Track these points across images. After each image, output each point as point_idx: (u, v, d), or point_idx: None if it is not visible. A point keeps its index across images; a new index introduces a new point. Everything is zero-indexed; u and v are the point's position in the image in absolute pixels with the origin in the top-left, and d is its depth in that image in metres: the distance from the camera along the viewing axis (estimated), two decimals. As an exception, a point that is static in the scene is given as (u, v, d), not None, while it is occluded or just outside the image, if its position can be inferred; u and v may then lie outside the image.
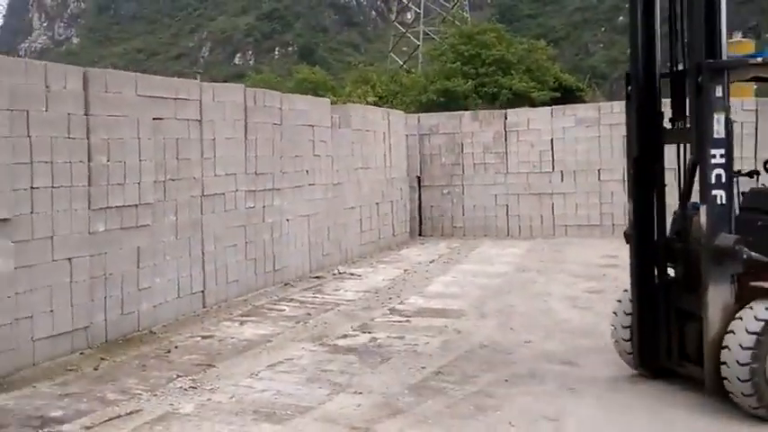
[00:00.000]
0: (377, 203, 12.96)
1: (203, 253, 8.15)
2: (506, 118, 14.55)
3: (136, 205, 7.08)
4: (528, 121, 14.36)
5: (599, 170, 13.77)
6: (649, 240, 5.23)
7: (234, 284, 8.70)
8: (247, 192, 8.98)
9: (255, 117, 9.22)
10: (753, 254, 4.63)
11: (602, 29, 72.23)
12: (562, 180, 14.01)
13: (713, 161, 4.69)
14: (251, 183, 9.05)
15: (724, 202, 4.69)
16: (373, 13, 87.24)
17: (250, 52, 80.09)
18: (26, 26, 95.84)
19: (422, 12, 54.11)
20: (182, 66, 72.93)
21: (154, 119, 7.40)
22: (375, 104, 21.29)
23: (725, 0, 4.86)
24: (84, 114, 6.55)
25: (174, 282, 7.68)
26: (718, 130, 4.68)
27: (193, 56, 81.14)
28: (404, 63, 45.13)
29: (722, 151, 4.67)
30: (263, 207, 9.33)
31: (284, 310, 8.18)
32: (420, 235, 14.84)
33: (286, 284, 9.62)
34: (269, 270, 9.46)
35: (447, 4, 56.07)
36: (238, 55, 79.99)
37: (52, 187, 6.17)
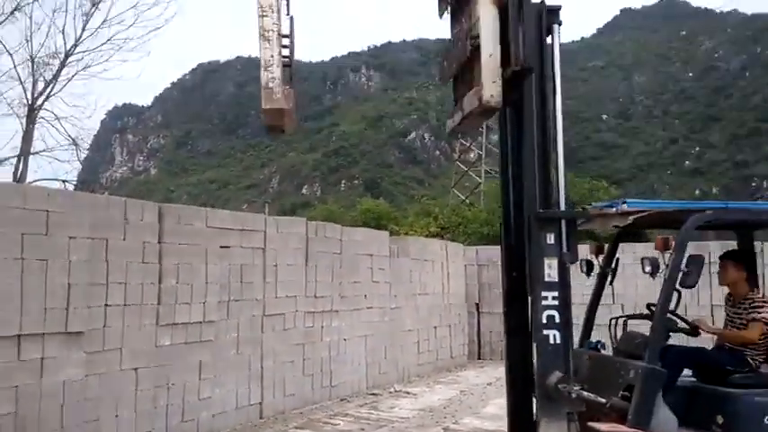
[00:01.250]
0: (435, 327, 13.19)
1: (262, 367, 8.49)
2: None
3: (200, 322, 7.52)
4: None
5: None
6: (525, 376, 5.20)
7: (291, 398, 8.94)
8: (306, 312, 9.37)
9: (316, 247, 9.70)
10: (584, 393, 4.60)
11: (668, 172, 72.87)
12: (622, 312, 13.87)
13: (544, 303, 4.81)
14: (310, 304, 9.45)
15: (558, 341, 4.76)
16: (437, 152, 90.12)
17: (317, 184, 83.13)
18: (109, 158, 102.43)
19: (483, 152, 55.78)
20: (251, 195, 76.18)
21: (221, 247, 7.94)
22: (437, 235, 21.75)
23: (561, 148, 5.00)
24: (157, 242, 7.13)
25: (233, 393, 8.00)
26: (550, 273, 4.82)
27: (263, 186, 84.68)
28: (466, 198, 46.12)
29: (555, 294, 4.80)
30: (322, 327, 9.67)
31: (339, 424, 8.32)
32: (479, 358, 14.97)
33: (342, 400, 9.81)
34: (326, 385, 9.72)
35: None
36: (305, 186, 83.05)
37: (124, 305, 6.65)
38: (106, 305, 6.50)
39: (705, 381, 5.11)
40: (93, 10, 17.23)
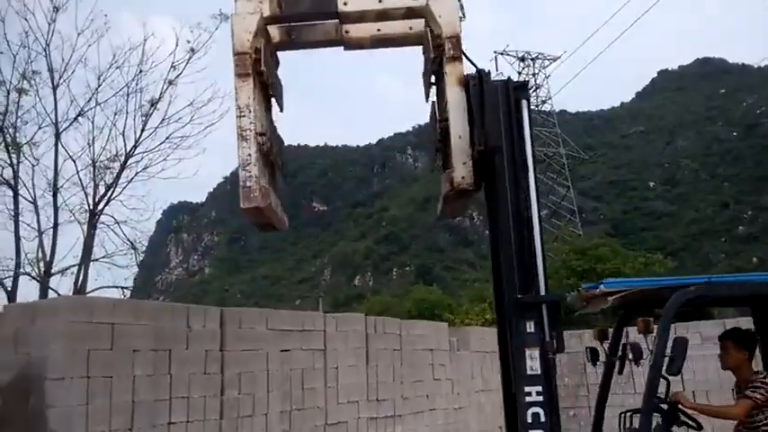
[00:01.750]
0: (500, 427, 12.56)
1: (327, 484, 8.12)
2: (627, 336, 14.16)
3: (263, 436, 7.30)
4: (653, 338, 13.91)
5: (732, 389, 12.87)
6: None
7: None
8: (369, 419, 9.05)
9: (376, 344, 9.50)
10: None
11: (723, 239, 70.87)
12: (694, 398, 13.14)
13: (528, 399, 4.42)
14: (372, 410, 9.14)
15: None
16: (486, 232, 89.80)
17: (369, 273, 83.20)
18: (164, 260, 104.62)
19: (534, 230, 55.32)
20: (304, 290, 76.48)
21: (281, 351, 7.82)
22: (494, 322, 21.13)
23: (539, 236, 4.74)
24: (219, 350, 7.05)
25: None
26: (533, 366, 4.44)
27: (316, 279, 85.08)
28: (519, 279, 45.37)
29: (539, 389, 4.41)
30: (384, 435, 9.31)
31: None
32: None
33: None
34: (392, 501, 9.22)
35: (558, 222, 57.11)
36: (358, 277, 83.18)
37: (187, 422, 6.52)
38: (170, 423, 6.38)
39: None
40: (151, 110, 17.86)
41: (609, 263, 24.32)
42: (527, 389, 4.44)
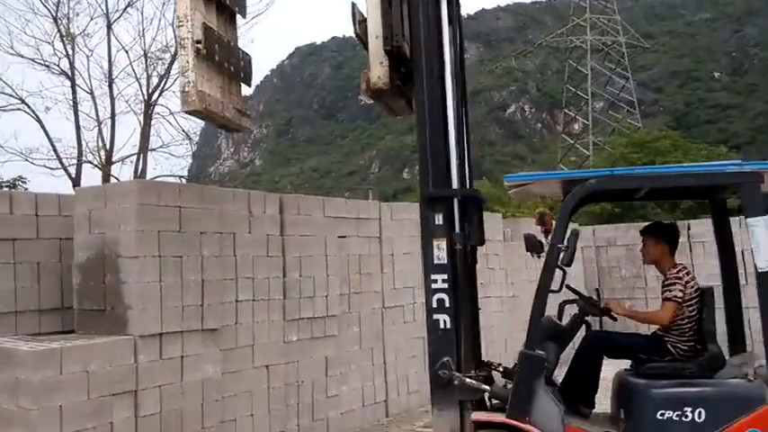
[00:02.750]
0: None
1: (385, 363, 8.50)
2: (689, 228, 14.01)
3: (324, 317, 7.59)
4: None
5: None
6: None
7: (415, 395, 8.89)
8: (423, 304, 9.24)
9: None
10: (466, 379, 4.56)
11: (792, 131, 68.16)
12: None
13: (434, 286, 4.77)
14: (427, 295, 9.36)
15: (448, 326, 4.68)
16: (539, 125, 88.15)
17: (417, 167, 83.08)
18: (215, 151, 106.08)
19: (590, 123, 53.88)
20: (353, 182, 77.07)
21: (339, 237, 7.99)
22: (545, 215, 21.10)
23: (453, 132, 4.90)
24: (279, 235, 7.23)
25: (359, 391, 8.05)
26: (439, 255, 4.76)
27: (364, 173, 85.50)
28: (572, 173, 44.85)
29: (444, 276, 4.72)
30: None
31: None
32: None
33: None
34: (447, 381, 9.59)
35: (616, 114, 55.56)
36: (406, 170, 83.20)
37: (253, 300, 6.80)
38: (237, 301, 6.66)
39: (632, 369, 4.77)
40: (200, 0, 17.72)
41: (670, 156, 23.75)
42: (434, 276, 4.78)
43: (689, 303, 4.72)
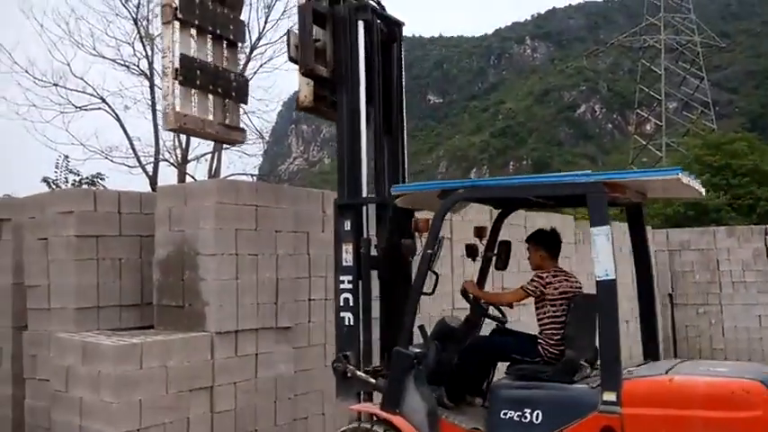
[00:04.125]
0: (626, 321, 12.48)
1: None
2: (767, 234, 13.46)
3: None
4: (795, 236, 13.18)
5: None
6: None
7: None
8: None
9: (501, 234, 9.46)
10: (357, 373, 5.04)
11: None
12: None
13: (341, 286, 5.33)
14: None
15: (352, 323, 5.22)
16: (609, 125, 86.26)
17: (485, 167, 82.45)
18: (285, 150, 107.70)
19: (663, 124, 52.37)
20: (420, 181, 76.80)
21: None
22: (615, 218, 20.63)
23: (364, 145, 5.48)
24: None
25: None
26: (346, 258, 5.32)
27: (431, 172, 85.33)
28: (644, 175, 43.53)
29: (350, 277, 5.28)
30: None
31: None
32: (675, 356, 13.91)
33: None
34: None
35: (690, 115, 53.83)
36: (474, 170, 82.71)
37: (325, 299, 6.82)
38: (310, 300, 6.70)
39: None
40: (274, 2, 18.01)
41: (745, 158, 22.85)
42: (341, 277, 5.36)
43: (553, 304, 4.83)
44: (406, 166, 6.04)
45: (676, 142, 45.91)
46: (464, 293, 5.35)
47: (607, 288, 4.17)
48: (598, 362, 4.53)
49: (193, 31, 5.87)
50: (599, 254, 4.16)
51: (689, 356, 13.66)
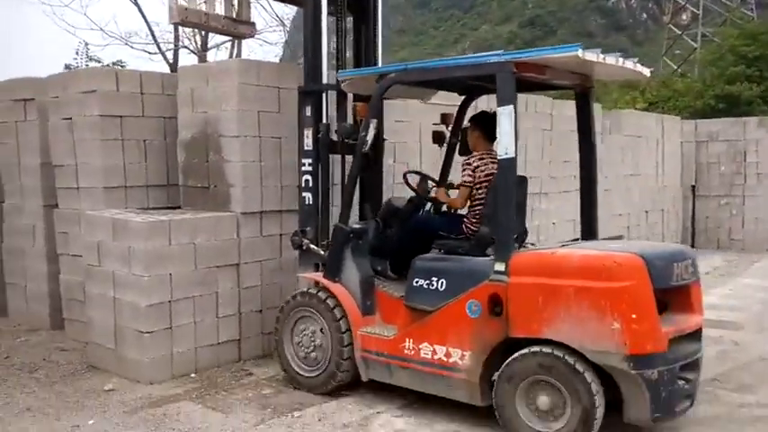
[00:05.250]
0: (646, 211, 12.53)
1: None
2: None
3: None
4: (826, 129, 12.90)
5: None
6: None
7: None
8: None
9: (526, 123, 9.35)
10: (311, 246, 5.45)
11: None
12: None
13: (303, 168, 5.59)
14: (521, 186, 9.24)
15: (311, 202, 5.55)
16: (644, 15, 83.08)
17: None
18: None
19: (700, 12, 50.20)
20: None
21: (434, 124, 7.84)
22: (644, 111, 20.30)
23: (325, 32, 5.64)
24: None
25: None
26: (307, 143, 5.55)
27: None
28: (678, 67, 42.31)
29: (310, 160, 5.54)
30: (531, 210, 9.45)
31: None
32: (692, 246, 13.97)
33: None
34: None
35: (730, 3, 51.47)
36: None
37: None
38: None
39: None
40: None
41: (785, 49, 22.00)
42: (303, 160, 5.60)
43: (479, 187, 5.06)
44: (379, 52, 6.10)
45: (712, 32, 44.21)
46: (406, 181, 5.63)
47: (506, 166, 4.33)
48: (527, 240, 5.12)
49: None
50: (503, 133, 4.28)
51: (706, 247, 13.73)
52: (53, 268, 6.96)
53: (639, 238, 12.14)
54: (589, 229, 5.17)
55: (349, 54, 6.26)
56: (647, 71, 4.96)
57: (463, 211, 5.38)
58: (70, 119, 6.46)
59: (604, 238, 5.23)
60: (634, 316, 3.85)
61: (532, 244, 5.38)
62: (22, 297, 7.42)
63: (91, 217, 5.95)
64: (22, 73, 9.29)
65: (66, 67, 15.34)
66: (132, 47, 17.44)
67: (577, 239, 5.24)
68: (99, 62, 15.76)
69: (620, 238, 6.16)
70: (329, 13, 5.85)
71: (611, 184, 11.20)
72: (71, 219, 6.52)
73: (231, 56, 18.35)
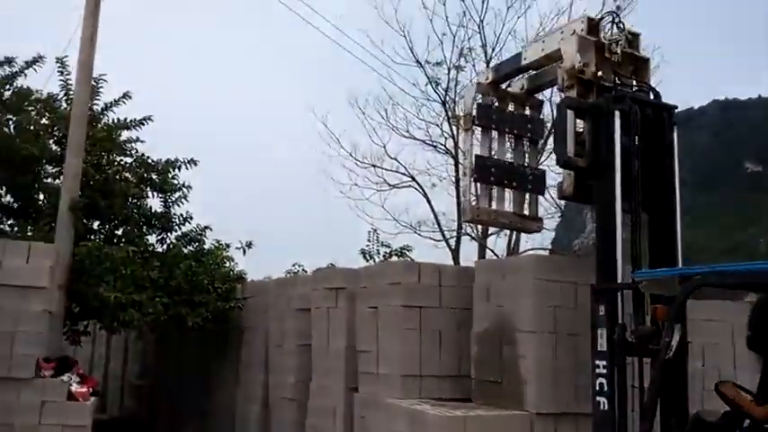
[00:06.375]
0: None
1: None
2: None
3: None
4: None
5: None
6: None
7: None
8: None
9: None
10: None
11: None
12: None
13: (597, 371, 5.21)
14: None
15: (606, 408, 5.11)
16: None
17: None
18: (580, 226, 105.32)
19: None
20: (731, 260, 69.68)
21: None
22: None
23: (620, 230, 5.36)
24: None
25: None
26: (601, 343, 5.20)
27: (745, 249, 77.10)
28: None
29: (605, 362, 5.16)
30: None
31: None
32: None
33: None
34: None
35: None
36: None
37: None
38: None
39: None
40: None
41: None
42: (596, 362, 5.28)
43: None
44: (678, 250, 5.77)
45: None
46: (718, 392, 4.78)
47: None
48: None
49: (494, 134, 6.71)
50: None
51: None
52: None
53: None
54: None
55: (644, 246, 6.02)
56: None
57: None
58: (376, 308, 6.92)
59: None
60: None
61: None
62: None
63: (391, 405, 6.14)
64: (324, 255, 10.33)
65: (362, 252, 16.79)
66: (420, 234, 18.70)
67: None
68: (389, 247, 17.04)
69: None
70: (623, 210, 5.65)
71: None
72: (369, 404, 6.79)
73: (510, 242, 18.79)
